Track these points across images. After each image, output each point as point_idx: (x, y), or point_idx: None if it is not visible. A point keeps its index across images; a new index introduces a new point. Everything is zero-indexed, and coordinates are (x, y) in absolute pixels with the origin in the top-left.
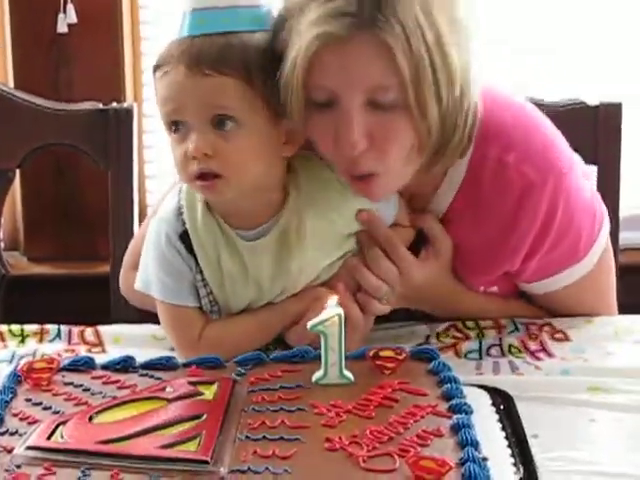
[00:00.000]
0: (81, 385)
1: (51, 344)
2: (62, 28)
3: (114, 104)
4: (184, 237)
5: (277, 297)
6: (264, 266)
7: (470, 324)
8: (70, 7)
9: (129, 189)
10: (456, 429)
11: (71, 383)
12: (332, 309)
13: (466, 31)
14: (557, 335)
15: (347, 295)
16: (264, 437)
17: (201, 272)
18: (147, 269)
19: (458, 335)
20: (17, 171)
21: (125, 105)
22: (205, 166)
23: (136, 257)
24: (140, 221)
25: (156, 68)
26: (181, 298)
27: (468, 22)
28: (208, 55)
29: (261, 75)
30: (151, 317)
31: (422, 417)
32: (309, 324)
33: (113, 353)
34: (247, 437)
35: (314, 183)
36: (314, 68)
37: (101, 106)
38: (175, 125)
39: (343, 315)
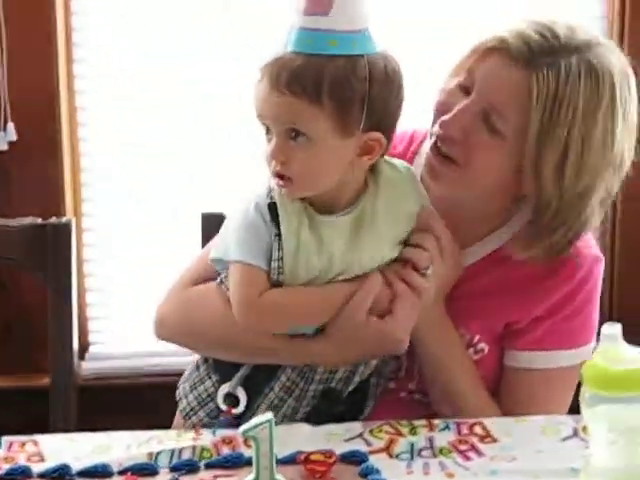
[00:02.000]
0: None
1: None
2: (2, 146)
3: (53, 219)
4: (271, 207)
5: (343, 272)
6: (337, 241)
7: (404, 422)
8: (10, 125)
9: (68, 303)
10: None
11: None
12: (263, 416)
13: (615, 160)
14: (487, 434)
15: (392, 274)
16: None
17: (279, 239)
18: (227, 238)
19: (391, 431)
20: None
21: (63, 220)
22: (280, 169)
23: (193, 272)
24: (80, 337)
25: (259, 70)
26: (255, 257)
27: (622, 158)
28: (286, 74)
29: (331, 98)
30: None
31: None
32: (240, 429)
33: (51, 462)
34: None
35: (389, 183)
36: (478, 58)
37: (40, 221)
38: (264, 126)
39: (274, 421)
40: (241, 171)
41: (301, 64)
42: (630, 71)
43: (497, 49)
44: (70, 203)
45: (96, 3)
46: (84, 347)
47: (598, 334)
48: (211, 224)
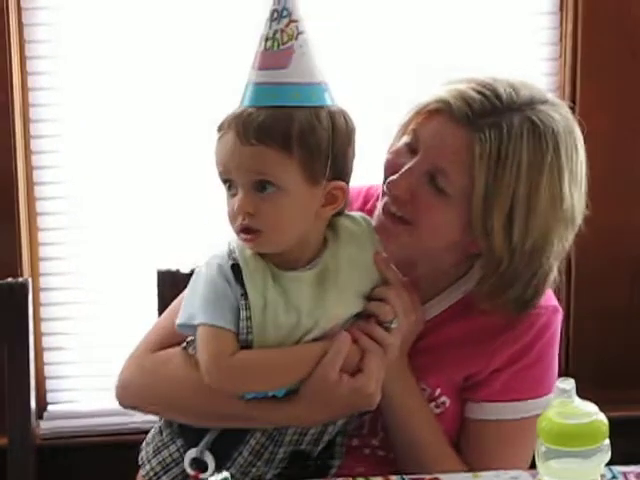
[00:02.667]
0: None
1: None
2: None
3: (9, 279)
4: (234, 268)
5: (311, 329)
6: (304, 297)
7: (360, 479)
8: None
9: (25, 363)
10: None
11: None
12: (219, 475)
13: (566, 215)
14: None
15: (358, 331)
16: None
17: (245, 298)
18: (193, 302)
19: None
20: None
21: (20, 280)
22: (247, 222)
23: (156, 337)
24: (38, 397)
25: (217, 130)
26: (222, 319)
27: (573, 213)
28: (254, 125)
29: (300, 147)
30: None
31: None
32: None
33: None
34: None
35: (350, 236)
36: (422, 118)
37: None
38: (226, 182)
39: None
40: (198, 227)
41: (268, 115)
42: (576, 127)
43: (439, 110)
44: (27, 262)
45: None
46: (42, 406)
47: None
48: (167, 280)
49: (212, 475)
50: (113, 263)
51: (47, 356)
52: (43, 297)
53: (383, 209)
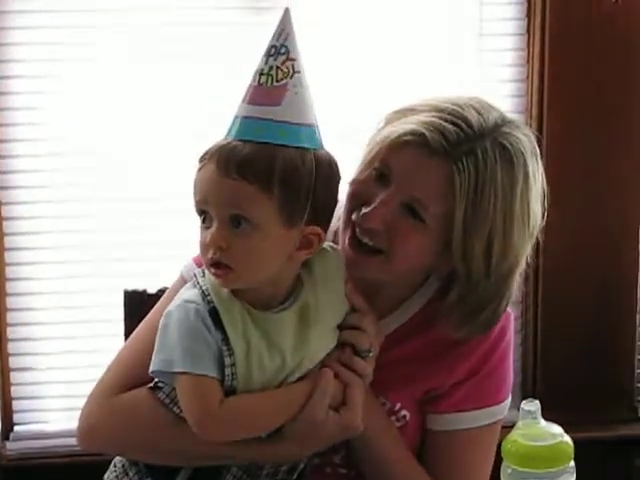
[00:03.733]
0: None
1: None
2: None
3: None
4: (212, 313)
5: (295, 370)
6: (286, 337)
7: None
8: None
9: None
10: None
11: None
12: None
13: (532, 232)
14: None
15: (337, 364)
16: None
17: (226, 343)
18: (169, 348)
19: None
20: None
21: None
22: (218, 257)
23: (120, 375)
24: (5, 417)
25: (199, 160)
26: (205, 367)
27: (535, 228)
28: (236, 159)
29: (281, 187)
30: None
31: None
32: None
33: None
34: None
35: (324, 269)
36: (393, 150)
37: None
38: (202, 214)
39: None
40: (167, 249)
41: (252, 151)
42: (535, 142)
43: (413, 142)
44: None
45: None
46: (9, 427)
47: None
48: (134, 300)
49: None
50: (81, 283)
51: (14, 376)
52: (10, 317)
53: (351, 241)
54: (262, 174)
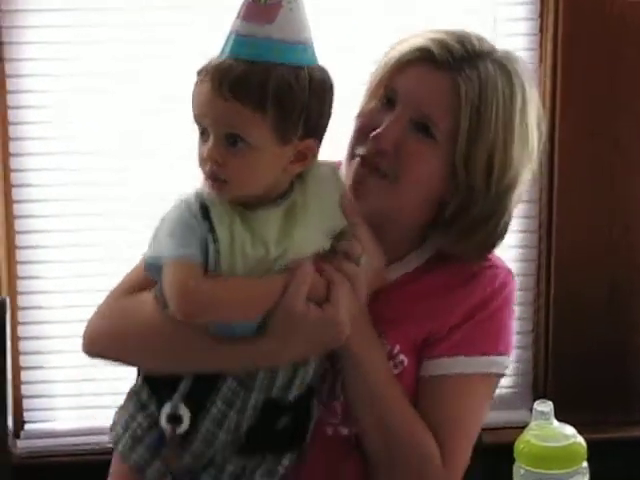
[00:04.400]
0: None
1: None
2: None
3: None
4: (202, 207)
5: (279, 260)
6: (270, 230)
7: None
8: None
9: (3, 382)
10: None
11: None
12: None
13: (531, 155)
14: None
15: (325, 263)
16: None
17: (213, 233)
18: (159, 238)
19: None
20: None
21: None
22: (215, 170)
23: (127, 284)
24: (15, 415)
25: (197, 74)
26: (187, 250)
27: (533, 153)
28: (230, 79)
29: (275, 107)
30: None
31: None
32: None
33: None
34: None
35: (315, 179)
36: (397, 72)
37: None
38: (201, 129)
39: None
40: None
41: (245, 70)
42: (529, 70)
43: (419, 59)
44: (5, 281)
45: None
46: (19, 425)
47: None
48: None
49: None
50: (90, 282)
51: (25, 375)
52: (21, 315)
53: (359, 167)
54: (255, 95)
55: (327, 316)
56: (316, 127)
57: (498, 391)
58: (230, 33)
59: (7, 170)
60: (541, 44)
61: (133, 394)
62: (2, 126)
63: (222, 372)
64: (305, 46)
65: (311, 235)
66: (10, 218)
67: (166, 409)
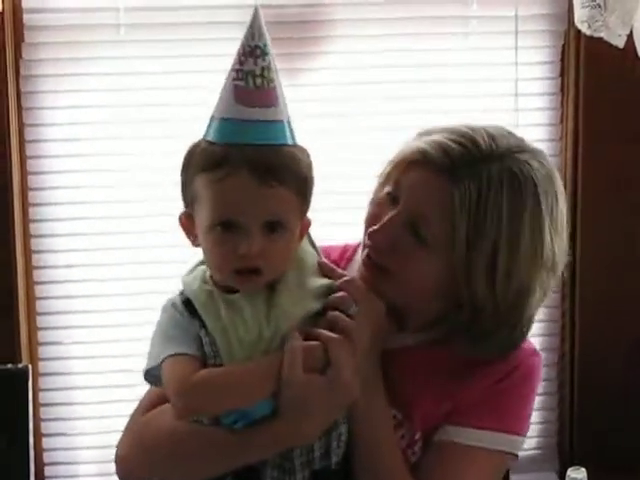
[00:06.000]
0: None
1: None
2: None
3: (9, 365)
4: (187, 303)
5: (274, 338)
6: (257, 306)
7: None
8: None
9: (25, 449)
10: None
11: None
12: None
13: (547, 263)
14: None
15: (314, 329)
16: None
17: (204, 327)
18: (153, 347)
19: None
20: None
21: (20, 366)
22: (251, 264)
23: (147, 402)
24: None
25: (204, 169)
26: (181, 347)
27: (554, 261)
28: (270, 167)
29: (306, 187)
30: None
31: None
32: None
33: None
34: None
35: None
36: (403, 170)
37: None
38: (224, 225)
39: None
40: None
41: (276, 155)
42: (556, 174)
43: (419, 161)
44: (26, 348)
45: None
46: None
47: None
48: None
49: None
50: (111, 347)
51: (47, 442)
52: (42, 382)
53: (365, 260)
54: (294, 179)
55: (332, 379)
56: (311, 199)
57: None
58: (232, 119)
59: (27, 234)
60: (562, 103)
61: None
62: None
63: (257, 464)
64: (290, 123)
65: (296, 299)
66: (30, 282)
67: None
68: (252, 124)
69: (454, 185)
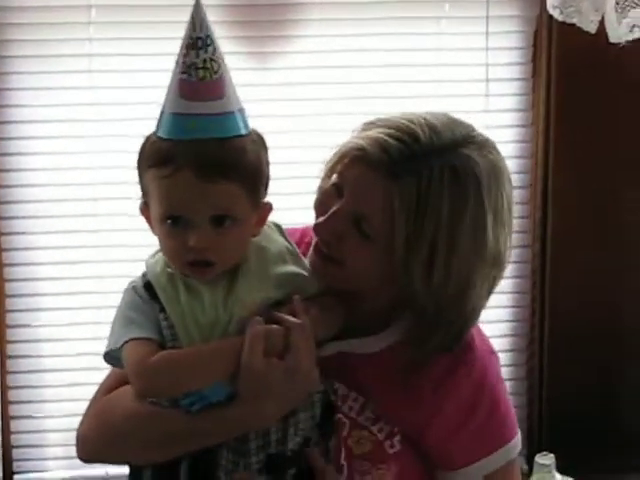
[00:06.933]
0: None
1: None
2: None
3: None
4: (148, 286)
5: (230, 322)
6: (216, 291)
7: None
8: None
9: None
10: None
11: None
12: None
13: (490, 257)
14: None
15: (276, 313)
16: None
17: (163, 310)
18: (114, 331)
19: None
20: None
21: None
22: (201, 257)
23: (106, 385)
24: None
25: (151, 165)
26: (141, 330)
27: (498, 255)
28: (213, 162)
29: (251, 178)
30: None
31: None
32: None
33: None
34: None
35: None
36: (346, 164)
37: None
38: (172, 219)
39: None
40: None
41: (222, 150)
42: (502, 166)
43: (360, 158)
44: None
45: None
46: (9, 476)
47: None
48: None
49: None
50: (80, 330)
51: (14, 424)
52: (10, 364)
53: (314, 248)
54: (240, 172)
55: (291, 365)
56: (267, 185)
57: None
58: (177, 114)
59: None
60: (533, 88)
61: None
62: None
63: (213, 446)
64: (243, 112)
65: (254, 287)
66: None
67: None
68: (198, 118)
69: (393, 182)
